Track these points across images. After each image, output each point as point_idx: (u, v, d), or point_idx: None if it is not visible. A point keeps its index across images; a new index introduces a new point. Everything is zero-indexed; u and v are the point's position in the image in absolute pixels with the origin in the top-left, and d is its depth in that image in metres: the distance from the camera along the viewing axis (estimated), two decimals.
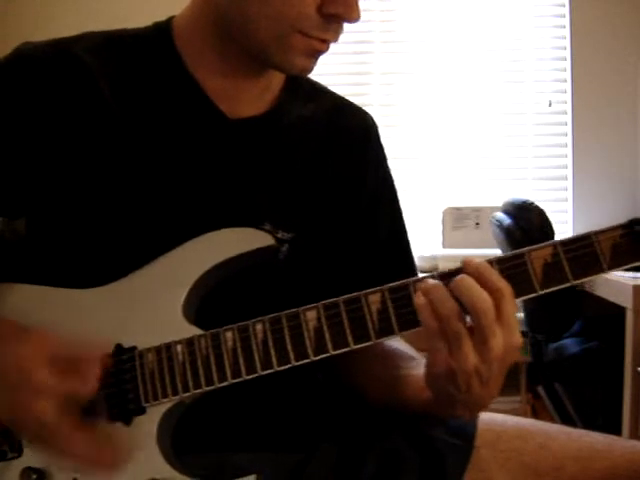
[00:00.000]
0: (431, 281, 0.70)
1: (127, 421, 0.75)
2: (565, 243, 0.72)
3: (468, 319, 0.69)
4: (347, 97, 1.01)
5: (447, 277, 0.71)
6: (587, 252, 0.71)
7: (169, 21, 0.90)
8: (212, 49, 0.85)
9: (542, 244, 0.72)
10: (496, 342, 0.68)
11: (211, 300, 0.80)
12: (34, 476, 0.74)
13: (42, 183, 0.82)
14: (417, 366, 0.86)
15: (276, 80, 0.91)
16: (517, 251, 0.72)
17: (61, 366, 0.71)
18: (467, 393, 0.71)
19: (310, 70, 0.84)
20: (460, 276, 0.69)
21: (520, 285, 0.71)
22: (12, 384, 0.70)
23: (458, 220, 2.77)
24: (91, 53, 0.85)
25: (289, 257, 0.86)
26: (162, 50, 0.87)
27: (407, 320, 0.72)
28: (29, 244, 0.84)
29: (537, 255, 0.71)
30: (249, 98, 0.89)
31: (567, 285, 0.72)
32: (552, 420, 2.21)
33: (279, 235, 0.85)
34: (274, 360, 0.73)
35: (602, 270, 0.71)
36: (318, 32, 0.79)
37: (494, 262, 0.71)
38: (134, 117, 0.84)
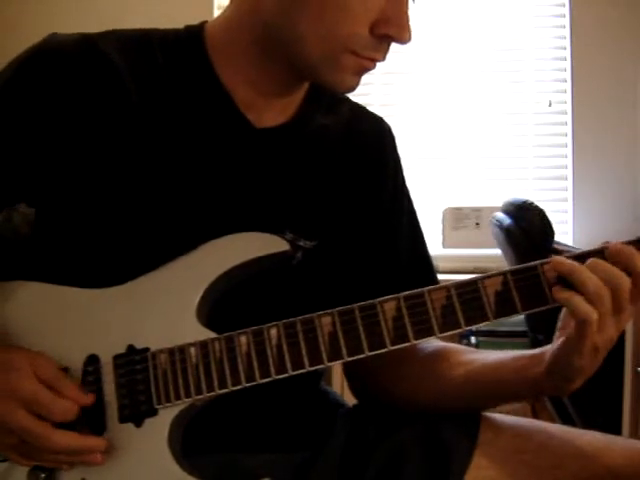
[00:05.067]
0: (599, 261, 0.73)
1: (138, 423, 0.75)
2: (578, 257, 0.74)
3: None
4: (348, 97, 1.00)
5: (584, 258, 0.73)
6: None
7: (202, 26, 0.88)
8: (249, 63, 0.85)
9: (554, 257, 0.74)
10: (627, 316, 0.73)
11: (224, 303, 0.80)
12: (42, 475, 0.75)
13: (61, 178, 0.81)
14: (481, 353, 0.89)
15: (300, 91, 0.91)
16: (529, 264, 0.74)
17: (44, 384, 0.73)
18: (587, 363, 0.75)
19: (355, 88, 0.84)
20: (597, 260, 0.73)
21: (534, 297, 0.74)
22: None
23: (458, 220, 2.77)
24: (120, 52, 0.84)
25: (303, 263, 0.86)
26: (193, 55, 0.86)
27: (422, 328, 0.73)
28: (39, 242, 0.84)
29: (550, 267, 0.74)
30: (275, 109, 0.89)
31: None
32: (552, 420, 2.22)
33: (301, 243, 0.86)
34: (288, 365, 0.74)
35: None
36: (369, 52, 0.79)
37: (508, 273, 0.73)
38: (159, 119, 0.83)
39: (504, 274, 0.73)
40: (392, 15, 0.78)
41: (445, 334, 0.74)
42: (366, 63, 0.80)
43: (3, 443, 0.74)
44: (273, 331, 0.75)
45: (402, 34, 0.79)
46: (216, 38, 0.87)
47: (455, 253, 2.74)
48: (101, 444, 0.74)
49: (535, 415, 2.34)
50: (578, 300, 0.71)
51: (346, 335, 0.74)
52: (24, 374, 0.72)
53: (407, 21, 0.79)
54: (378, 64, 0.83)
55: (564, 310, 0.77)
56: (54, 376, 0.74)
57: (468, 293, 0.74)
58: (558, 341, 0.77)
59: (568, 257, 0.74)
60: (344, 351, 0.73)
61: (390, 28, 0.78)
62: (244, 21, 0.84)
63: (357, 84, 0.83)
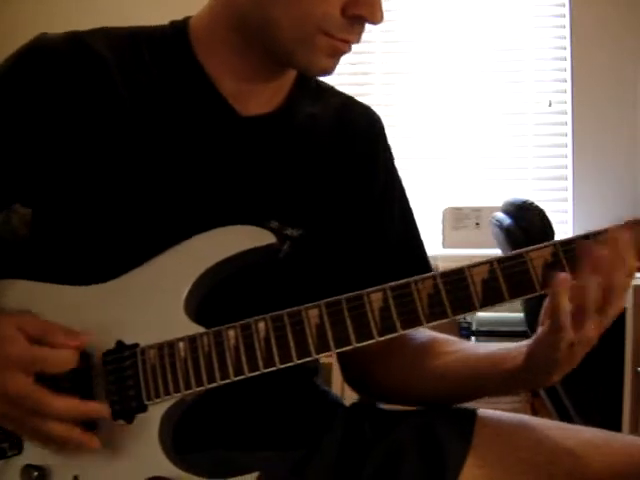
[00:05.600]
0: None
1: (129, 419, 0.75)
2: (564, 243, 0.73)
3: None
4: (336, 88, 1.01)
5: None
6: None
7: (186, 21, 0.90)
8: (231, 52, 0.86)
9: (542, 244, 0.73)
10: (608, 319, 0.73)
11: (212, 297, 0.80)
12: (35, 473, 0.75)
13: (52, 175, 0.82)
14: (465, 343, 0.89)
15: (287, 79, 0.91)
16: (516, 251, 0.74)
17: (35, 340, 0.73)
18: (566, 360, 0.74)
19: (332, 70, 0.85)
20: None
21: (521, 285, 0.73)
22: None
23: (458, 220, 2.77)
24: (108, 48, 0.85)
25: (291, 255, 0.86)
26: (178, 49, 0.87)
27: (409, 318, 0.73)
28: (33, 241, 0.85)
29: (537, 255, 0.73)
30: (261, 98, 0.89)
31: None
32: (552, 419, 2.21)
33: (287, 232, 0.86)
34: (276, 358, 0.74)
35: None
36: (342, 33, 0.80)
37: (494, 261, 0.73)
38: (147, 112, 0.84)
39: (490, 262, 0.73)
40: None
41: (432, 324, 0.74)
42: (340, 45, 0.81)
43: (7, 416, 0.73)
44: (261, 324, 0.74)
45: (373, 14, 0.80)
46: (199, 30, 0.88)
47: (455, 253, 2.73)
48: (103, 409, 0.74)
49: (534, 413, 2.33)
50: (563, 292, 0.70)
51: (333, 327, 0.73)
52: (14, 339, 0.73)
53: (378, 1, 0.80)
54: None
55: (545, 304, 0.76)
56: (42, 329, 0.74)
57: (455, 282, 0.73)
58: (536, 334, 0.77)
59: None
60: (331, 343, 0.73)
61: (361, 8, 0.79)
62: (223, 12, 0.85)
63: (333, 67, 0.84)
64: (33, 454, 0.76)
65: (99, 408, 0.74)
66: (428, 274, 0.75)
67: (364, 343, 0.73)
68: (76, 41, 0.85)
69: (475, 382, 0.85)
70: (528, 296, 0.73)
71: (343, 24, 0.79)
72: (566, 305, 0.70)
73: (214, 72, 0.87)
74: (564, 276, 0.70)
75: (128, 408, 0.75)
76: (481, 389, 0.86)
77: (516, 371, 0.79)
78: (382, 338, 0.73)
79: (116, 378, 0.76)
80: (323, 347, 0.73)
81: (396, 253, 0.95)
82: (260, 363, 0.74)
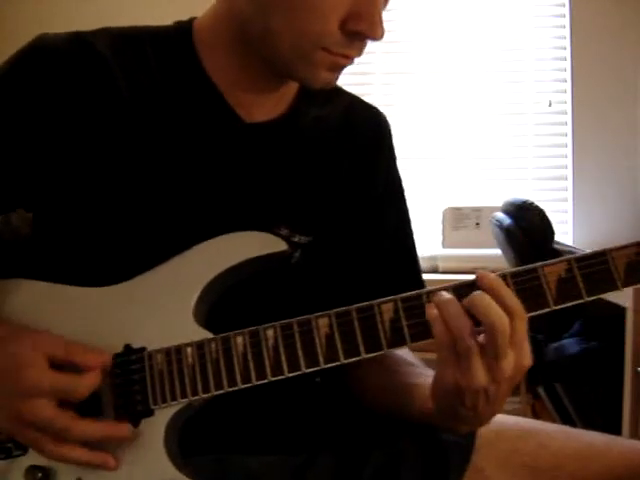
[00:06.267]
0: (445, 295, 0.69)
1: (134, 423, 0.74)
2: (579, 259, 0.71)
3: (480, 337, 0.68)
4: (345, 89, 0.99)
5: (461, 290, 0.70)
6: (601, 269, 0.71)
7: (191, 21, 0.88)
8: (233, 60, 0.84)
9: (556, 259, 0.72)
10: (507, 363, 0.67)
11: (222, 303, 0.80)
12: (39, 474, 0.74)
13: (55, 177, 0.81)
14: (418, 374, 0.86)
15: (291, 86, 0.90)
16: (531, 265, 0.72)
17: (58, 364, 0.72)
18: (472, 410, 0.71)
19: (334, 83, 0.83)
20: (477, 293, 0.68)
21: (534, 300, 0.71)
22: (8, 387, 0.71)
23: (458, 220, 2.77)
24: (110, 48, 0.84)
25: (301, 262, 0.86)
26: (181, 51, 0.86)
27: (419, 331, 0.72)
28: (36, 242, 0.84)
29: (551, 270, 0.71)
30: (266, 105, 0.88)
31: (581, 301, 0.71)
32: (552, 420, 2.22)
33: (296, 239, 0.85)
34: (284, 366, 0.73)
35: (616, 287, 0.71)
36: (342, 49, 0.77)
37: (508, 276, 0.71)
38: (149, 115, 0.83)
39: (504, 276, 0.72)
40: (363, 11, 0.75)
41: None
42: (340, 60, 0.79)
43: (26, 437, 0.73)
44: (270, 332, 0.74)
45: (374, 30, 0.76)
46: (203, 32, 0.86)
47: (455, 253, 2.74)
48: (126, 430, 0.73)
49: (535, 415, 2.34)
50: (439, 328, 0.68)
51: (343, 337, 0.72)
52: (38, 367, 0.71)
53: (379, 16, 0.77)
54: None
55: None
56: (65, 352, 0.73)
57: (466, 295, 0.71)
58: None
59: (447, 289, 0.70)
60: (341, 353, 0.72)
61: (360, 24, 0.76)
62: (225, 18, 0.84)
63: (334, 80, 0.82)
64: (38, 455, 0.75)
65: (122, 429, 0.73)
66: (440, 287, 0.73)
67: (373, 354, 0.72)
68: (78, 41, 0.83)
69: (402, 411, 0.84)
70: (542, 311, 0.71)
71: (342, 40, 0.76)
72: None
73: (217, 77, 0.85)
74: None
75: (134, 412, 0.75)
76: (411, 418, 0.84)
77: (431, 414, 0.77)
78: (391, 349, 0.72)
79: (123, 381, 0.75)
80: (332, 357, 0.72)
81: (388, 255, 0.95)
82: (268, 371, 0.73)
